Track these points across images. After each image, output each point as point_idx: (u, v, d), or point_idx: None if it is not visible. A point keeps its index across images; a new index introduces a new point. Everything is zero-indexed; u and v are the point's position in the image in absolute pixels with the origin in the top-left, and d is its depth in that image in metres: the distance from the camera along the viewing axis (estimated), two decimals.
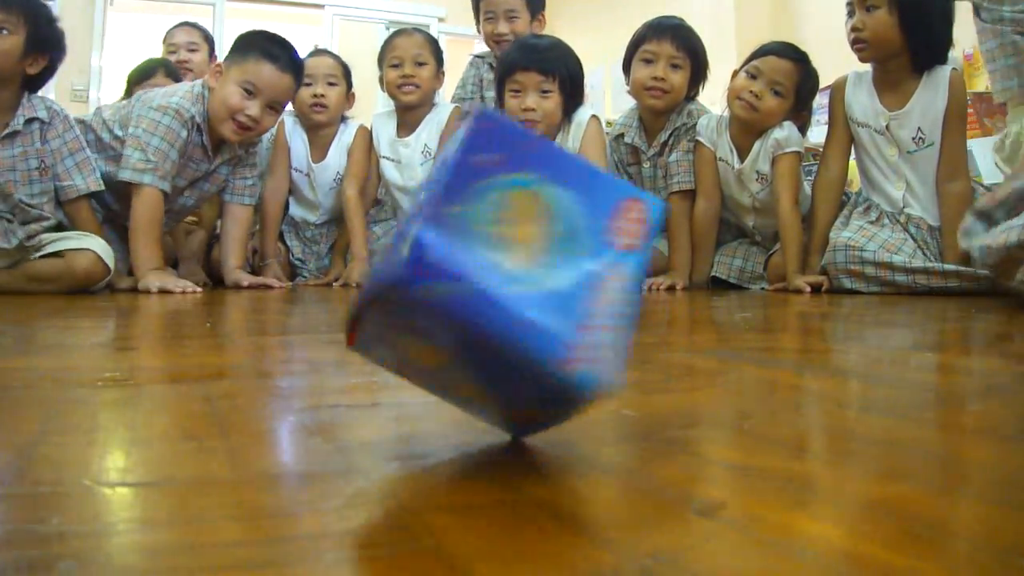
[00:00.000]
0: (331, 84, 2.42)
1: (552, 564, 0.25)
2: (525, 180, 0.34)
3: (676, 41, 2.14)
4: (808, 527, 0.28)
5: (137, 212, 1.92)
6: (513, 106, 2.07)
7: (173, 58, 2.77)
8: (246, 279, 2.12)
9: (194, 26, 2.99)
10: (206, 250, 2.41)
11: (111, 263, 1.82)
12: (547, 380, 0.33)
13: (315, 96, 2.38)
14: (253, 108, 1.97)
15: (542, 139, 0.35)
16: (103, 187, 1.96)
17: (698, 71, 2.17)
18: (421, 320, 0.33)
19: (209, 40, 2.89)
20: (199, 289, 1.86)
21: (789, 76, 2.00)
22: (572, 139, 2.13)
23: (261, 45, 2.00)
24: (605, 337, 0.34)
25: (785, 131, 2.02)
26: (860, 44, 1.86)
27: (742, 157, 2.07)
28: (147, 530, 0.29)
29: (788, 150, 2.01)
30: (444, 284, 0.31)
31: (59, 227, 1.87)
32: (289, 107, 2.52)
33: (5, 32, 1.81)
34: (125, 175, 1.92)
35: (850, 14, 1.88)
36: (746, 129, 2.05)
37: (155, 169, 1.91)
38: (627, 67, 2.21)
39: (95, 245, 1.81)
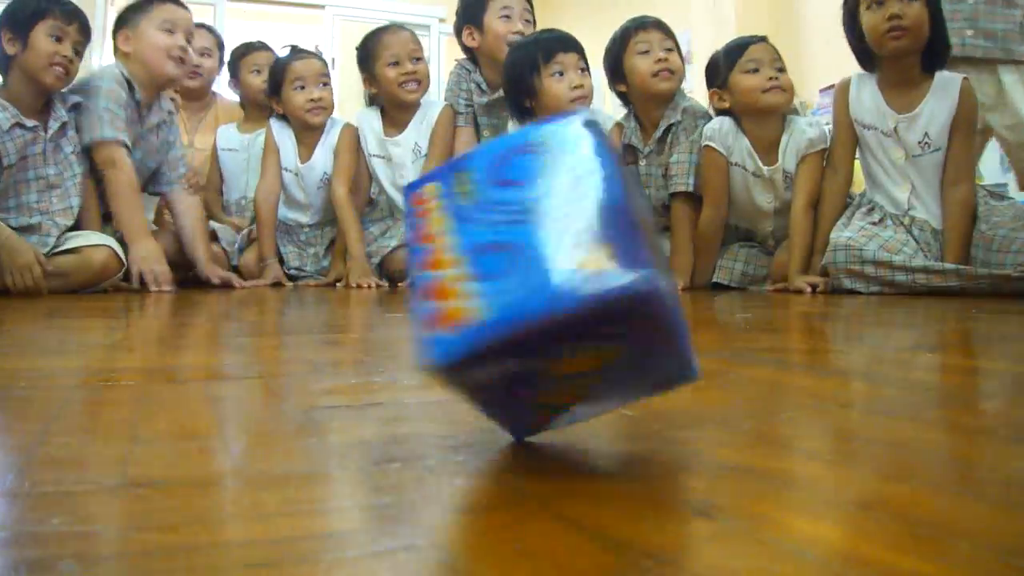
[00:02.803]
0: (324, 85, 2.42)
1: (552, 564, 0.25)
2: None
3: (662, 30, 2.19)
4: (809, 528, 0.28)
5: (112, 178, 2.01)
6: (561, 89, 2.09)
7: None
8: (217, 275, 2.16)
9: (210, 30, 2.97)
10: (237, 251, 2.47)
11: (124, 259, 1.94)
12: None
13: (312, 100, 2.39)
14: (180, 40, 2.12)
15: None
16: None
17: (681, 55, 2.23)
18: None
19: (220, 47, 2.88)
20: (167, 289, 1.96)
21: (776, 53, 2.06)
22: None
23: None
24: None
25: (816, 129, 2.05)
26: (899, 31, 1.84)
27: (764, 159, 2.06)
28: (147, 530, 0.29)
29: (817, 149, 2.02)
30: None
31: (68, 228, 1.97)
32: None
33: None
34: (87, 139, 2.01)
35: (871, 6, 1.87)
36: (770, 123, 2.05)
37: (110, 122, 2.01)
38: (616, 69, 2.21)
39: (109, 241, 1.93)
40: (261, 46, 2.78)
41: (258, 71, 2.68)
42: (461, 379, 0.35)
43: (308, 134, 2.46)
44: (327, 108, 2.43)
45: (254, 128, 2.68)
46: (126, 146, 2.03)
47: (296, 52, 2.47)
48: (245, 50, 2.77)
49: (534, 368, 0.34)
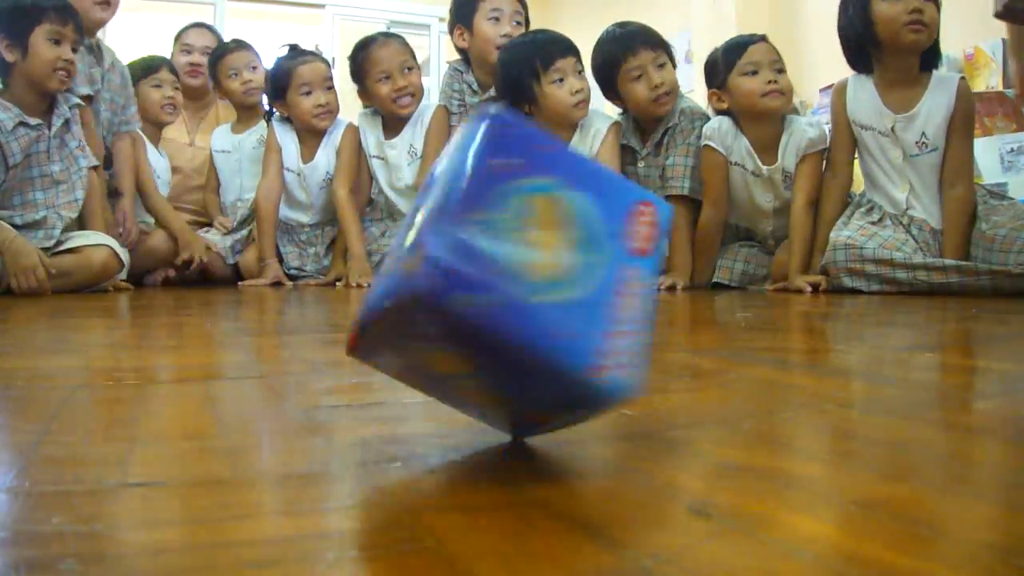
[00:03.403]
0: (329, 88, 2.42)
1: (552, 564, 0.25)
2: (545, 184, 0.33)
3: (649, 43, 2.15)
4: (809, 527, 0.28)
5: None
6: (563, 95, 2.08)
7: (185, 59, 2.74)
8: (130, 223, 2.26)
9: (210, 29, 2.95)
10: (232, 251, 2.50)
11: (125, 259, 1.97)
12: (577, 388, 0.33)
13: (320, 106, 2.38)
14: None
15: (556, 142, 0.35)
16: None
17: (672, 58, 2.20)
18: (444, 329, 0.32)
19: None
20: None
21: (776, 53, 2.05)
22: (592, 143, 2.13)
23: None
24: (630, 342, 0.34)
25: (816, 129, 2.05)
26: (920, 25, 1.84)
27: (763, 158, 2.06)
28: (147, 530, 0.29)
29: (817, 149, 2.02)
30: (472, 295, 0.31)
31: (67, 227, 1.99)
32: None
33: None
34: (71, 97, 2.06)
35: None
36: (769, 123, 2.04)
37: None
38: (611, 89, 2.20)
39: (109, 241, 1.96)
40: (236, 46, 2.71)
41: (235, 74, 2.63)
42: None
43: (311, 135, 2.46)
44: (333, 112, 2.43)
45: (245, 128, 2.67)
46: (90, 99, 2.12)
47: (299, 54, 2.45)
48: (220, 53, 2.69)
49: (417, 362, 0.36)
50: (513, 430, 0.41)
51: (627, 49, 2.15)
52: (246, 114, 2.68)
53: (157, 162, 2.50)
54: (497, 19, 2.32)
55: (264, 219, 2.40)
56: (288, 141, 2.47)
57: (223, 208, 2.71)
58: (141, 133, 2.41)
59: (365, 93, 2.41)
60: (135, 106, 2.37)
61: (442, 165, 0.35)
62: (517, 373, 0.33)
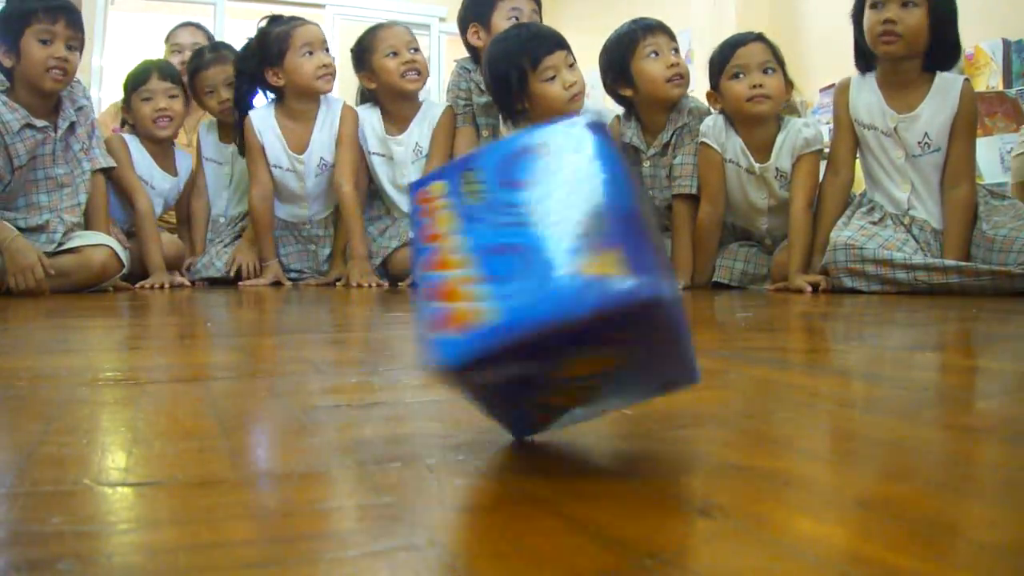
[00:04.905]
0: (327, 51, 2.33)
1: (552, 564, 0.25)
2: None
3: (667, 33, 2.18)
4: (809, 527, 0.28)
5: None
6: (556, 91, 2.07)
7: (176, 59, 2.66)
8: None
9: (198, 27, 2.91)
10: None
11: (125, 259, 1.95)
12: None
13: (324, 65, 2.28)
14: None
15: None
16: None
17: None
18: (645, 327, 0.33)
19: (212, 42, 2.82)
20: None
21: (767, 52, 2.03)
22: None
23: None
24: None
25: (811, 129, 2.04)
26: (891, 36, 1.84)
27: (756, 156, 2.06)
28: (147, 530, 0.29)
29: (813, 149, 2.02)
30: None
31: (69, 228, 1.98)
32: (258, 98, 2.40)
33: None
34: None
35: (873, 6, 1.86)
36: (759, 123, 2.04)
37: None
38: (622, 72, 2.19)
39: (109, 241, 1.94)
40: (213, 58, 2.46)
41: (211, 91, 2.45)
42: (466, 380, 0.35)
43: (300, 122, 2.33)
44: (334, 74, 2.33)
45: (233, 138, 2.48)
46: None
47: (288, 20, 2.33)
48: (196, 66, 2.46)
49: (538, 371, 0.35)
50: (527, 430, 0.41)
51: (647, 29, 2.16)
52: (229, 121, 2.50)
53: (152, 175, 2.34)
54: (516, 19, 2.29)
55: (261, 222, 2.33)
56: (270, 137, 2.33)
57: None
58: (127, 138, 2.30)
59: (370, 74, 2.34)
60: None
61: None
62: (660, 355, 0.36)
